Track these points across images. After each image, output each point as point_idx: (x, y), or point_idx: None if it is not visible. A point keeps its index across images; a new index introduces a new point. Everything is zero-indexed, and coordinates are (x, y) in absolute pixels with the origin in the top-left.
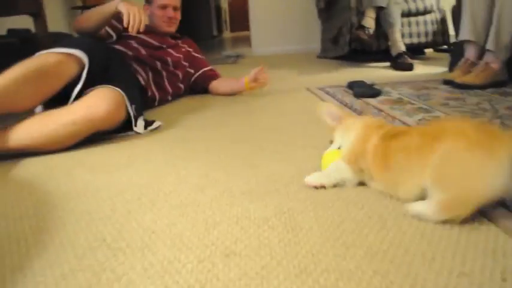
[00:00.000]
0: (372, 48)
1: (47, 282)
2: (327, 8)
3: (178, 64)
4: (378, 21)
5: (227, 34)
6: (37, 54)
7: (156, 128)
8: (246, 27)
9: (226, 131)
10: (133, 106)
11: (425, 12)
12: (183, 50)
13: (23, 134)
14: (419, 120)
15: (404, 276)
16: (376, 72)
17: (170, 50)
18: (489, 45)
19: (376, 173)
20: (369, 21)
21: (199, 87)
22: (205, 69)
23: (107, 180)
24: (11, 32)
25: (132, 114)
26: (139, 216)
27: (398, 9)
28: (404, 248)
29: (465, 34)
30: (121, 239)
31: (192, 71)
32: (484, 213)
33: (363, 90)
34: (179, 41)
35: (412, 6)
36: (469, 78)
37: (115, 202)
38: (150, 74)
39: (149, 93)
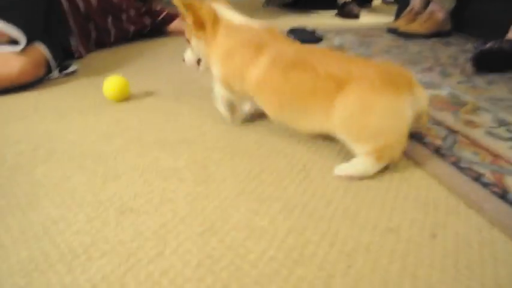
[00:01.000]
0: None
1: None
2: None
3: None
4: None
5: None
6: None
7: (72, 72)
8: None
9: (145, 75)
10: (56, 59)
11: None
12: None
13: None
14: None
15: (323, 234)
16: (321, 20)
17: None
18: None
19: (269, 108)
20: None
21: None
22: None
23: (1, 130)
24: None
25: (53, 68)
26: (29, 169)
27: None
28: (326, 201)
29: None
30: (1, 195)
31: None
32: (417, 163)
33: (303, 36)
34: None
35: None
36: (413, 27)
37: (5, 154)
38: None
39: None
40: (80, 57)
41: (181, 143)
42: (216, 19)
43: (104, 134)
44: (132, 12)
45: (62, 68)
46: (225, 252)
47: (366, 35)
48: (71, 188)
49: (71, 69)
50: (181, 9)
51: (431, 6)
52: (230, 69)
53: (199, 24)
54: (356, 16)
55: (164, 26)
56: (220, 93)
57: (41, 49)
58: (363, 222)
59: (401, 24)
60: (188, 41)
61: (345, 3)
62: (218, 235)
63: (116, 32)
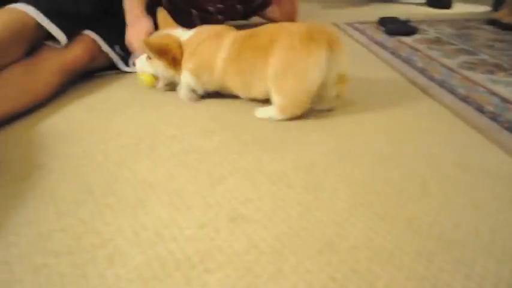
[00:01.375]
0: None
1: (20, 243)
2: None
3: None
4: None
5: None
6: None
7: None
8: None
9: None
10: (116, 47)
11: None
12: None
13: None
14: (463, 62)
15: (456, 262)
16: (409, 9)
17: None
18: None
19: (230, 79)
20: None
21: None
22: None
23: (103, 120)
24: None
25: (115, 56)
26: (134, 164)
27: None
28: (453, 223)
29: None
30: (111, 192)
31: None
32: None
33: (396, 27)
34: None
35: None
36: None
37: (108, 147)
38: None
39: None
40: None
41: (282, 144)
42: (180, 46)
43: (203, 129)
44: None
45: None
46: (350, 276)
47: (462, 27)
48: (178, 188)
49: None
50: (154, 54)
51: None
52: (200, 61)
53: (175, 60)
54: (448, 5)
55: (259, 11)
56: (186, 83)
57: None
58: (500, 253)
59: (503, 15)
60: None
61: None
62: (339, 255)
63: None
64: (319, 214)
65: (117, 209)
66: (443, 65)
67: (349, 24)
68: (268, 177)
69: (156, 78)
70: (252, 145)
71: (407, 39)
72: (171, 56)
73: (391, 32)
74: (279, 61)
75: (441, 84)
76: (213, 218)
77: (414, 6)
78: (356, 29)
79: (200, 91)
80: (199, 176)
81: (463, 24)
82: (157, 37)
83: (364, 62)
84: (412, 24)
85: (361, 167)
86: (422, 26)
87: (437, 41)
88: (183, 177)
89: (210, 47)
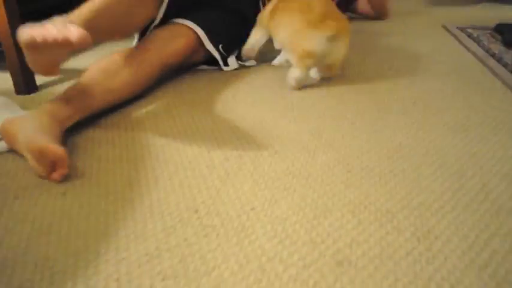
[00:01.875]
0: None
1: (130, 260)
2: None
3: None
4: None
5: None
6: None
7: (250, 66)
8: None
9: (345, 76)
10: (220, 46)
11: None
12: None
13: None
14: None
15: None
16: None
17: None
18: None
19: (269, 23)
20: None
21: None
22: None
23: (209, 123)
24: None
25: (218, 55)
26: (238, 182)
27: None
28: None
29: None
30: (215, 213)
31: None
32: None
33: None
34: None
35: None
36: None
37: (213, 157)
38: None
39: None
40: None
41: (391, 175)
42: None
43: (305, 147)
44: None
45: (239, 58)
46: None
47: None
48: (281, 216)
49: (249, 63)
50: None
51: None
52: (264, 11)
53: None
54: None
55: (349, 5)
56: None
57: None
58: None
59: None
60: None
61: None
62: None
63: None
64: (432, 270)
65: (222, 233)
66: None
67: (462, 29)
68: (375, 215)
69: None
70: (358, 173)
71: None
72: None
73: (509, 44)
74: (294, 28)
75: None
76: (318, 259)
77: None
78: (469, 35)
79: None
80: (303, 205)
81: None
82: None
83: (480, 81)
84: None
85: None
86: None
87: None
88: (287, 204)
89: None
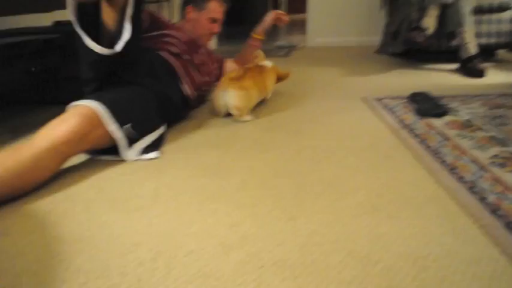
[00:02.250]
0: (430, 49)
1: None
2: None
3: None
4: (442, 18)
5: None
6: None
7: (152, 159)
8: (304, 9)
9: (266, 158)
10: (128, 125)
11: (501, 9)
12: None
13: None
14: (494, 156)
15: None
16: (440, 78)
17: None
18: None
19: None
20: (429, 21)
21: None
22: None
23: (124, 224)
24: (57, 24)
25: (122, 135)
26: None
27: (468, 5)
28: None
29: None
30: None
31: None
32: None
33: (426, 108)
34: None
35: (485, 2)
36: None
37: (126, 263)
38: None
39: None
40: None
41: (303, 267)
42: None
43: (222, 244)
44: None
45: (145, 150)
46: None
47: (496, 105)
48: None
49: (151, 155)
50: None
51: None
52: None
53: None
54: (481, 74)
55: None
56: None
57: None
58: None
59: None
60: None
61: (468, 59)
62: None
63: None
64: None
65: None
66: (474, 161)
67: (379, 100)
68: None
69: None
70: (270, 268)
71: (438, 122)
72: None
73: (421, 113)
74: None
75: (471, 188)
76: None
77: (447, 74)
78: (386, 106)
79: None
80: None
81: (495, 103)
82: None
83: (393, 155)
84: (443, 103)
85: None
86: (454, 104)
87: (468, 125)
88: None
89: None
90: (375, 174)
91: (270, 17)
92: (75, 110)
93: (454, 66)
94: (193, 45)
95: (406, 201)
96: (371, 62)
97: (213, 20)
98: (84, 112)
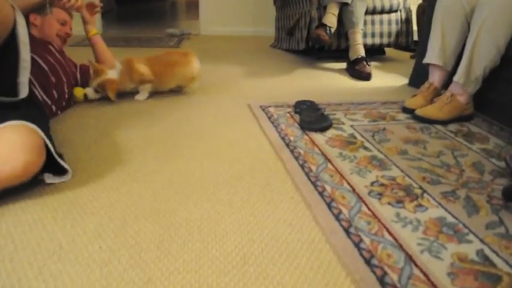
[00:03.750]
0: (332, 47)
1: None
2: None
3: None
4: (339, 18)
5: None
6: None
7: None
8: None
9: (129, 191)
10: (53, 144)
11: (391, 10)
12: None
13: None
14: (373, 183)
15: None
16: (330, 80)
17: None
18: (458, 78)
19: None
20: (331, 19)
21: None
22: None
23: None
24: None
25: (56, 156)
26: None
27: (362, 6)
28: None
29: (433, 58)
30: None
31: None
32: None
33: (310, 121)
34: None
35: (378, 4)
36: (432, 111)
37: None
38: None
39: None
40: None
41: None
42: None
43: None
44: None
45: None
46: None
47: (379, 117)
48: None
49: (65, 177)
50: None
51: (453, 89)
52: None
53: None
54: (367, 78)
55: None
56: None
57: (36, 130)
58: None
59: (418, 103)
60: None
61: (356, 60)
62: None
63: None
64: None
65: None
66: (352, 190)
67: (264, 108)
68: None
69: None
70: None
71: (321, 138)
72: None
73: (305, 127)
74: None
75: (347, 228)
76: None
77: (337, 74)
78: (270, 117)
79: None
80: None
81: (379, 113)
82: None
83: (271, 182)
84: (327, 114)
85: None
86: (338, 114)
87: (351, 142)
88: None
89: None
90: (250, 211)
91: (82, 12)
92: (21, 135)
93: (344, 65)
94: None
95: (280, 249)
96: (265, 57)
97: (62, 23)
98: (32, 138)
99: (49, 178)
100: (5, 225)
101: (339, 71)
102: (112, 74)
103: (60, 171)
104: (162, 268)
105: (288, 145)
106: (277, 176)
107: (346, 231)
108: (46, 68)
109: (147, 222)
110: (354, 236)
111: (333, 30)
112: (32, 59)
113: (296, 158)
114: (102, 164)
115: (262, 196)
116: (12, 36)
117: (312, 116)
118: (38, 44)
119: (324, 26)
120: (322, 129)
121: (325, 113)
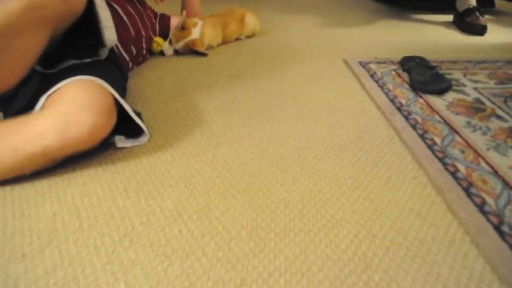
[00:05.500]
0: None
1: None
2: None
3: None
4: None
5: None
6: None
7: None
8: None
9: (215, 159)
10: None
11: None
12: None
13: None
14: None
15: None
16: (435, 34)
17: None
18: None
19: None
20: None
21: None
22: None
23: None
24: None
25: (133, 115)
26: None
27: None
28: None
29: None
30: None
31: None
32: None
33: (424, 80)
34: None
35: None
36: None
37: None
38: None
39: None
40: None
41: None
42: None
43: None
44: None
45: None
46: None
47: (504, 76)
48: None
49: (141, 139)
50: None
51: None
52: None
53: None
54: (481, 32)
55: None
56: None
57: (107, 88)
58: None
59: None
60: None
61: (467, 11)
62: None
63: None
64: None
65: None
66: (494, 173)
67: (364, 64)
68: None
69: None
70: None
71: (439, 102)
72: None
73: (418, 89)
74: None
75: (497, 225)
76: None
77: (442, 28)
78: (373, 75)
79: None
80: None
81: (506, 74)
82: None
83: (385, 154)
84: (442, 73)
85: None
86: (456, 74)
87: (479, 109)
88: None
89: None
90: (363, 193)
91: None
92: (89, 93)
93: (448, 17)
94: None
95: (410, 250)
96: (352, 7)
97: None
98: (101, 96)
99: (121, 141)
100: (70, 196)
101: (443, 24)
102: (196, 33)
103: (134, 132)
104: (257, 267)
105: (399, 109)
106: (392, 148)
107: (497, 229)
108: (126, 19)
109: (235, 201)
110: (509, 237)
111: None
112: (112, 8)
113: (413, 127)
114: (181, 125)
115: (377, 174)
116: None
117: (425, 75)
118: None
119: None
120: (441, 91)
121: (440, 72)
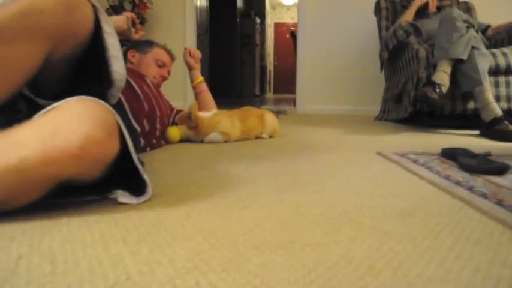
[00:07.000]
0: (444, 111)
1: None
2: (391, 58)
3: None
4: (454, 77)
5: (269, 95)
6: None
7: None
8: (290, 90)
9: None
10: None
11: None
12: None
13: None
14: None
15: None
16: (465, 140)
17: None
18: None
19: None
20: (442, 76)
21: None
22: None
23: None
24: None
25: (133, 155)
26: None
27: (485, 61)
28: None
29: None
30: None
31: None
32: None
33: (477, 163)
34: None
35: (502, 62)
36: None
37: None
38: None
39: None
40: None
41: None
42: None
43: None
44: None
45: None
46: None
47: None
48: None
49: (146, 195)
50: None
51: None
52: None
53: None
54: (510, 138)
55: None
56: None
57: (109, 108)
58: None
59: None
60: None
61: (494, 120)
62: None
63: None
64: None
65: None
66: None
67: (401, 155)
68: None
69: None
70: None
71: (502, 181)
72: None
73: (471, 169)
74: None
75: None
76: None
77: (470, 137)
78: (415, 161)
79: None
80: None
81: None
82: None
83: (452, 217)
84: (495, 159)
85: None
86: (508, 160)
87: None
88: None
89: None
90: (453, 253)
91: (185, 59)
92: (87, 106)
93: (473, 132)
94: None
95: None
96: (371, 125)
97: (160, 64)
98: (101, 112)
99: (124, 197)
100: (47, 242)
101: (471, 135)
102: (205, 114)
103: (138, 189)
104: None
105: (459, 184)
106: (468, 213)
107: None
108: (140, 92)
109: (275, 256)
110: None
111: (444, 89)
112: (126, 81)
113: (484, 196)
114: (198, 189)
115: (459, 236)
116: (96, 41)
117: (475, 159)
118: (134, 73)
119: (433, 83)
120: (500, 171)
121: (491, 159)
